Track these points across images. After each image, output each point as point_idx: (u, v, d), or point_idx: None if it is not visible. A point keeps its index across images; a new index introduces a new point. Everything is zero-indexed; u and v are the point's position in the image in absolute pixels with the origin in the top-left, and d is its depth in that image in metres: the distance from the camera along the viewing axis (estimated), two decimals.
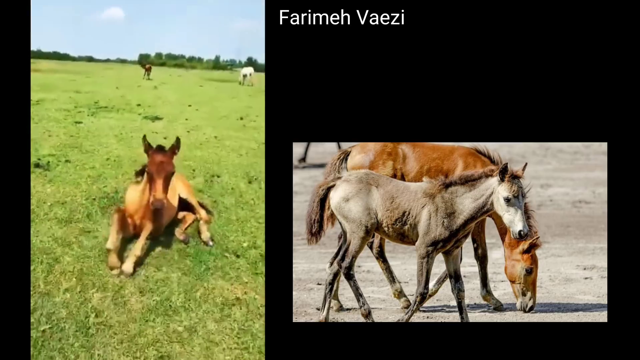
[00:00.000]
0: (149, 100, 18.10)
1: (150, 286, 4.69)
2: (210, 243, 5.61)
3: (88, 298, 4.40)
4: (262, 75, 27.73)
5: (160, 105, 16.81)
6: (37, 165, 7.59)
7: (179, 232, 5.73)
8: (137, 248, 5.05)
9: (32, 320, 3.95)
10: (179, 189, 6.06)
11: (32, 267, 4.66)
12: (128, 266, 4.84)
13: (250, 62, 42.29)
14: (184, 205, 6.06)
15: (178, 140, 5.17)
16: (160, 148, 5.04)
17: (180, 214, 6.03)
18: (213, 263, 5.22)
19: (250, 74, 30.32)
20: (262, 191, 7.51)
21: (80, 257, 5.04)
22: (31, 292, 4.27)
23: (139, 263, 5.00)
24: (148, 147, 5.02)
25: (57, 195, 6.57)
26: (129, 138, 10.69)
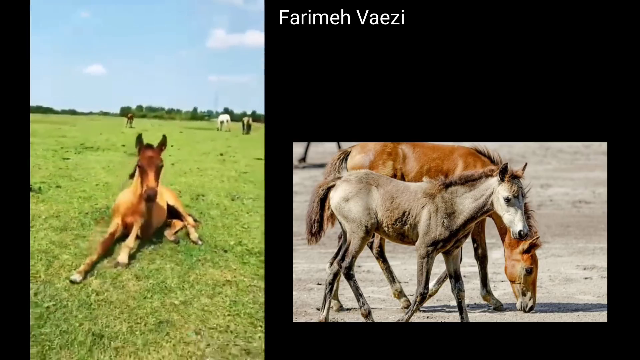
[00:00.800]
0: (132, 143, 18.35)
1: (145, 273, 4.98)
2: (199, 242, 5.97)
3: (88, 283, 4.66)
4: (239, 124, 30.64)
5: None
6: (30, 190, 7.76)
7: (169, 234, 6.07)
8: (129, 240, 5.44)
9: (35, 300, 4.27)
10: (167, 197, 6.45)
11: (32, 263, 4.92)
12: (123, 257, 5.17)
13: (227, 111, 45.25)
14: (173, 213, 6.45)
15: (164, 137, 5.63)
16: (149, 145, 5.50)
17: (170, 221, 6.37)
18: (203, 256, 5.55)
19: (227, 121, 32.37)
20: (245, 206, 8.14)
21: (77, 254, 5.30)
22: (32, 282, 4.58)
23: (132, 255, 5.33)
24: (139, 144, 5.50)
25: (50, 211, 6.88)
26: (116, 169, 11.14)
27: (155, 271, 5.03)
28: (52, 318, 3.98)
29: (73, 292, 4.45)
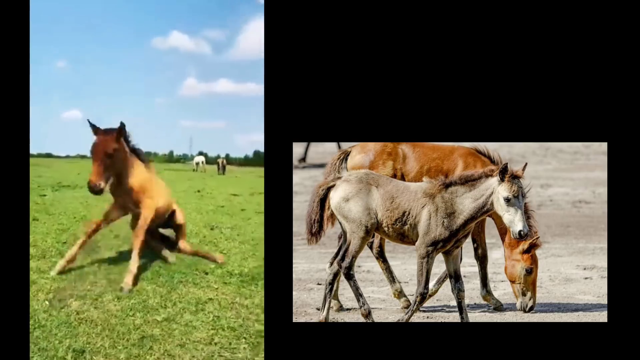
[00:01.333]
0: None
1: (126, 295, 4.93)
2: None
3: (67, 304, 4.61)
4: (214, 166, 32.20)
5: None
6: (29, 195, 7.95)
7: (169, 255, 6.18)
8: (132, 265, 5.28)
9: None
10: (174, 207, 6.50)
11: None
12: (127, 282, 5.07)
13: (202, 154, 48.26)
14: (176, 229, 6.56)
15: (122, 124, 5.21)
16: (104, 130, 5.10)
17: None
18: (185, 278, 5.56)
19: (202, 162, 34.23)
20: (223, 235, 8.33)
21: (55, 279, 5.28)
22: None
23: (136, 279, 5.24)
24: (92, 128, 5.09)
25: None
26: (94, 205, 10.82)
27: (136, 292, 5.00)
28: (31, 337, 3.90)
29: (52, 312, 4.39)
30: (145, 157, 5.74)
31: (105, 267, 5.83)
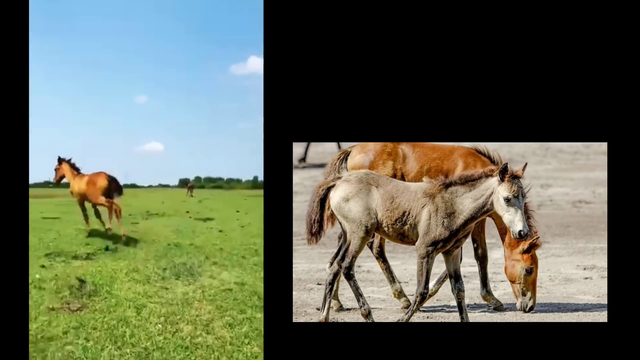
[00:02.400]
0: (196, 209, 19.94)
1: (237, 321, 5.03)
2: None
3: (179, 329, 4.79)
4: None
5: (208, 212, 18.15)
6: (107, 249, 9.00)
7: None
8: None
9: (131, 342, 4.45)
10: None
11: (121, 310, 5.26)
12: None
13: None
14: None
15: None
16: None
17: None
18: None
19: None
20: None
21: (163, 303, 5.58)
22: (123, 326, 4.82)
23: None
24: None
25: (130, 267, 7.37)
26: (186, 232, 11.80)
27: (247, 320, 5.08)
28: (151, 358, 4.16)
29: (167, 335, 4.59)
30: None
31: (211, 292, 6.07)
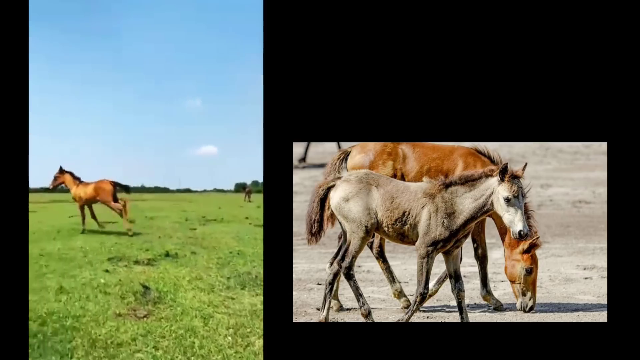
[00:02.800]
0: (255, 215, 19.71)
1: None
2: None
3: (251, 343, 4.66)
4: None
5: None
6: (167, 255, 9.18)
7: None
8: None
9: (201, 353, 4.38)
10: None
11: (188, 319, 5.20)
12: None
13: None
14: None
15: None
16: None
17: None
18: None
19: None
20: None
21: (230, 314, 5.44)
22: (191, 337, 4.74)
23: None
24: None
25: (192, 274, 7.44)
26: (247, 239, 11.61)
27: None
28: None
29: (238, 349, 4.47)
30: None
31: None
